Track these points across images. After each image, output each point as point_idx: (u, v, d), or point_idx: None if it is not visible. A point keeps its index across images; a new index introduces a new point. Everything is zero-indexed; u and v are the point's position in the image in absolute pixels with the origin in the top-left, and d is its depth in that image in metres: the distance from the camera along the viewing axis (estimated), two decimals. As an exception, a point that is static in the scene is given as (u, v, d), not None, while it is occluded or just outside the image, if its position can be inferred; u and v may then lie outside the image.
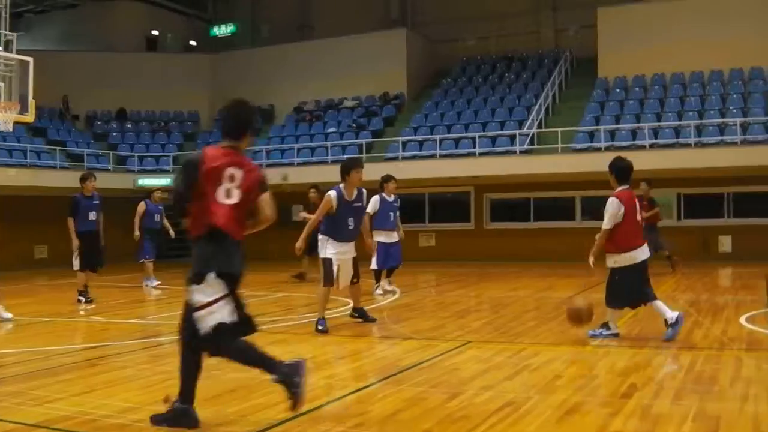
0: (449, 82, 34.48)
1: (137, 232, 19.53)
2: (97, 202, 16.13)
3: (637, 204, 9.92)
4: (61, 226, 15.84)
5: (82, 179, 16.27)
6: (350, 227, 11.34)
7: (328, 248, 11.27)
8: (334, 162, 28.92)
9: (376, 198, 16.20)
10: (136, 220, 19.61)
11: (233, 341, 6.15)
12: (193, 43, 42.71)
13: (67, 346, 10.92)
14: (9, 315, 13.23)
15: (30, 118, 19.01)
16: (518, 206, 29.28)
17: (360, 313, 12.08)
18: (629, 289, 9.77)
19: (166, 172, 32.14)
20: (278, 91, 35.59)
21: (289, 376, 6.11)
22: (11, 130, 18.98)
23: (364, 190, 11.59)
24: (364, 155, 28.68)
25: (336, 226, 11.25)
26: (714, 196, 26.57)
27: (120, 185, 28.98)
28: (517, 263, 24.82)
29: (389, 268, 16.82)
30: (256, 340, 10.52)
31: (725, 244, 26.09)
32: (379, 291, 16.52)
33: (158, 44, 41.17)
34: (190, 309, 6.18)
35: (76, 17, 39.91)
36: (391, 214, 16.37)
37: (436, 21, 36.82)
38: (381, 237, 16.09)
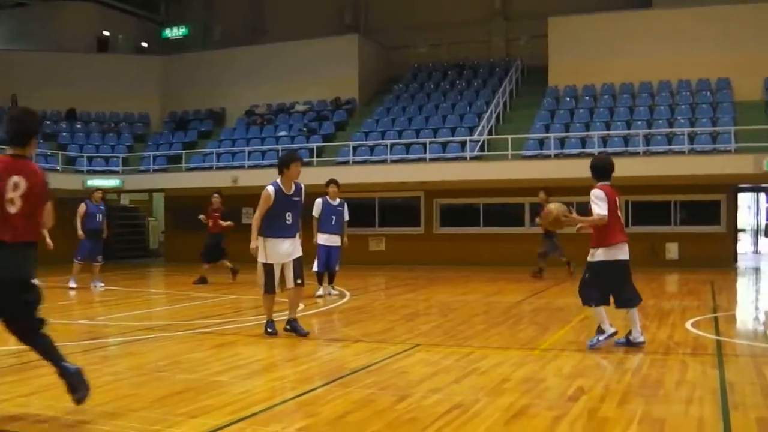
0: (401, 88, 34.55)
1: (80, 232, 19.19)
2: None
3: (618, 201, 9.67)
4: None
5: None
6: (288, 222, 10.87)
7: (268, 251, 10.83)
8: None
9: (319, 201, 16.32)
10: (77, 221, 19.25)
11: None
12: (144, 44, 42.37)
13: (12, 346, 10.78)
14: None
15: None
16: (468, 212, 29.39)
17: (292, 326, 11.00)
18: (605, 286, 9.53)
19: (116, 173, 31.95)
20: (230, 93, 35.49)
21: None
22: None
23: (302, 185, 11.19)
24: (315, 159, 28.76)
25: (274, 221, 10.78)
26: (662, 204, 26.89)
27: (69, 185, 28.64)
28: (466, 268, 24.93)
29: (330, 274, 16.84)
30: (206, 341, 10.54)
31: (672, 250, 26.44)
32: (320, 292, 16.59)
33: (109, 45, 40.75)
34: None
35: (26, 16, 39.50)
36: (333, 217, 16.39)
37: (388, 27, 36.90)
38: (322, 239, 16.20)
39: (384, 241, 29.94)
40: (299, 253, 11.00)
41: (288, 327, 10.96)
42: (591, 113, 28.79)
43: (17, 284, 6.38)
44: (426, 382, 7.81)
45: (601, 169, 9.77)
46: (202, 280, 20.26)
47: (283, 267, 10.87)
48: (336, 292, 16.94)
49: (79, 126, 35.54)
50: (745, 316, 14.22)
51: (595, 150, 25.00)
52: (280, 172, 10.95)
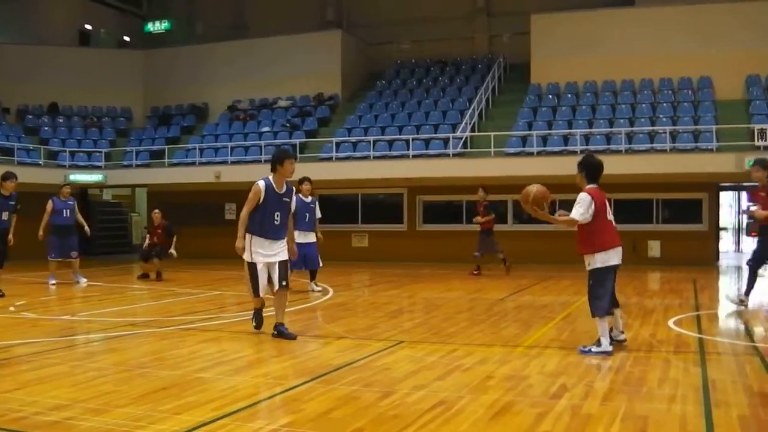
0: (384, 85, 34.58)
1: (41, 232, 18.87)
2: (13, 202, 16.57)
3: (607, 204, 9.45)
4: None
5: (4, 178, 16.57)
6: (276, 222, 10.45)
7: (253, 251, 10.44)
8: (267, 161, 28.77)
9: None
10: (45, 218, 19.03)
11: None
12: (127, 38, 42.23)
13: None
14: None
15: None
16: (451, 209, 29.42)
17: (279, 331, 10.58)
18: (610, 293, 9.32)
19: (98, 167, 31.84)
20: (212, 89, 35.46)
21: None
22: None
23: (293, 187, 10.98)
24: (297, 155, 28.66)
25: (262, 220, 10.38)
26: (644, 202, 26.99)
27: (51, 180, 28.48)
28: (449, 265, 24.95)
29: (311, 271, 16.87)
30: (189, 338, 10.53)
31: (654, 248, 26.56)
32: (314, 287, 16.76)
33: (91, 39, 40.61)
34: None
35: (7, 9, 39.28)
36: (307, 214, 16.45)
37: (371, 23, 36.89)
38: (296, 238, 16.20)
39: (367, 238, 29.94)
40: (285, 255, 10.65)
41: (275, 333, 10.55)
42: (573, 111, 28.88)
43: None
44: (410, 379, 7.82)
45: (595, 168, 9.56)
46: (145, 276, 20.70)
47: (267, 271, 10.49)
48: (319, 289, 16.94)
49: (61, 120, 35.38)
50: (727, 314, 14.28)
51: (578, 147, 25.08)
52: (273, 169, 10.57)
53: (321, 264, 16.99)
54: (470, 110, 29.04)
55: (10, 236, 16.63)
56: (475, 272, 21.60)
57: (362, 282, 21.17)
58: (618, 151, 24.92)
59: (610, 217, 9.41)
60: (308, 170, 25.94)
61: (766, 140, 23.44)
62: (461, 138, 27.34)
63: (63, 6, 39.29)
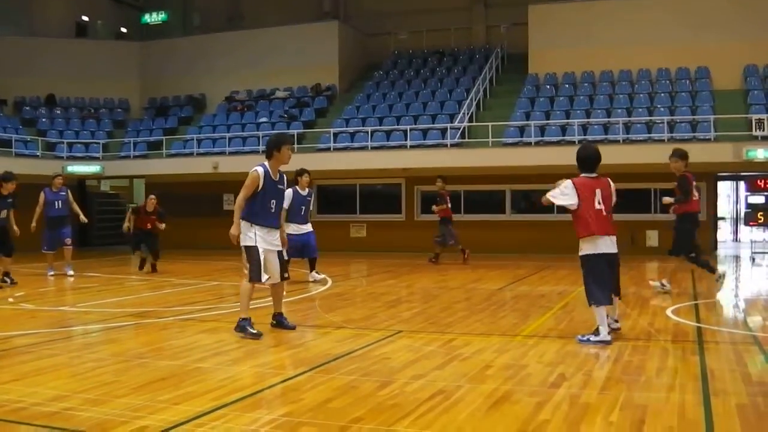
0: (381, 75, 34.57)
1: (33, 224, 18.60)
2: (11, 200, 17.04)
3: (599, 193, 9.43)
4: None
5: (5, 179, 16.94)
6: (272, 210, 10.14)
7: (254, 234, 9.99)
8: (265, 152, 28.84)
9: (289, 191, 16.21)
10: (37, 210, 18.86)
11: None
12: (123, 30, 42.16)
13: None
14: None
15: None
16: (449, 199, 29.36)
17: (279, 321, 10.50)
18: (601, 281, 9.32)
19: (96, 159, 31.81)
20: (209, 80, 35.43)
21: None
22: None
23: (285, 175, 10.56)
24: (295, 146, 28.66)
25: (260, 207, 10.00)
26: (641, 192, 26.98)
27: (48, 171, 28.38)
28: (447, 255, 24.93)
29: (311, 260, 16.90)
30: (188, 328, 10.52)
31: (652, 238, 26.57)
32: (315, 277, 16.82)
33: (88, 30, 40.52)
34: None
35: (4, 0, 39.20)
36: (303, 207, 16.49)
37: (368, 14, 36.87)
38: (291, 230, 16.19)
39: (365, 228, 29.95)
40: (280, 245, 10.32)
41: (274, 322, 10.46)
42: (571, 101, 28.87)
43: None
44: (408, 369, 7.83)
45: (584, 159, 9.60)
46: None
47: (266, 258, 10.09)
48: (321, 276, 16.98)
49: (58, 112, 35.36)
50: (725, 303, 14.29)
51: (575, 138, 25.07)
52: (270, 156, 10.20)
53: (317, 252, 17.04)
54: (468, 100, 29.03)
55: (15, 228, 17.09)
56: (433, 260, 22.25)
57: (360, 272, 21.17)
58: (616, 141, 24.92)
59: (600, 206, 9.39)
60: (306, 161, 25.96)
61: (763, 130, 23.46)
62: (459, 128, 27.34)
63: (60, -3, 39.26)
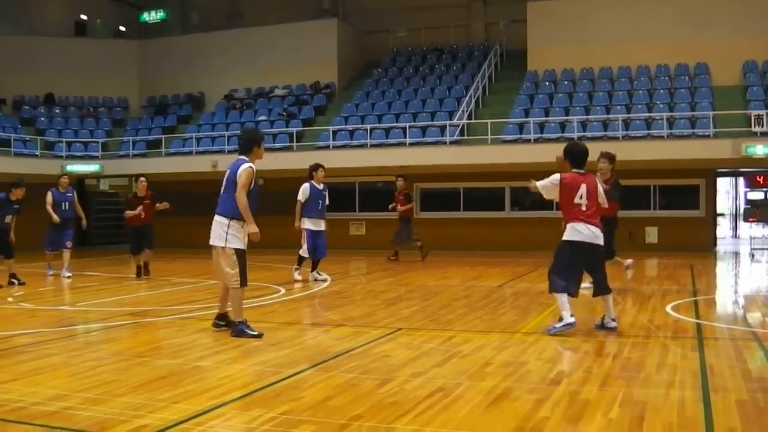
0: (380, 73, 34.57)
1: (56, 218, 18.47)
2: (17, 207, 17.15)
3: (584, 188, 9.54)
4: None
5: (15, 186, 17.11)
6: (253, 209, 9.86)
7: (243, 236, 9.84)
8: (264, 150, 28.80)
9: (306, 186, 16.32)
10: (49, 209, 18.56)
11: None
12: (122, 28, 42.11)
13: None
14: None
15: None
16: (448, 196, 29.41)
17: (226, 321, 10.16)
18: (563, 270, 9.58)
19: (95, 158, 31.80)
20: (208, 78, 35.43)
21: None
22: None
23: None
24: (294, 144, 28.74)
25: (247, 205, 9.76)
26: (641, 188, 26.99)
27: (47, 171, 28.44)
28: (446, 252, 24.95)
29: (316, 261, 16.90)
30: (187, 327, 10.50)
31: (652, 235, 26.59)
32: (298, 276, 16.69)
33: (87, 29, 40.47)
34: None
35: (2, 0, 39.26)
36: (320, 202, 16.50)
37: (367, 11, 36.84)
38: (309, 225, 16.25)
39: (364, 226, 29.95)
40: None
41: (222, 323, 10.18)
42: (570, 98, 28.85)
43: None
44: (408, 366, 7.83)
45: (574, 155, 9.81)
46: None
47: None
48: (323, 277, 16.94)
49: (57, 111, 35.35)
50: (724, 300, 14.30)
51: (575, 134, 25.06)
52: (250, 151, 10.02)
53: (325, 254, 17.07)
54: (467, 98, 29.03)
55: (12, 235, 17.27)
56: (392, 258, 22.52)
57: (360, 270, 21.17)
58: (615, 138, 24.91)
59: (581, 201, 9.57)
60: (305, 159, 25.91)
61: (762, 126, 23.46)
62: (458, 125, 27.32)
63: (58, -4, 39.24)
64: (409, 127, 27.84)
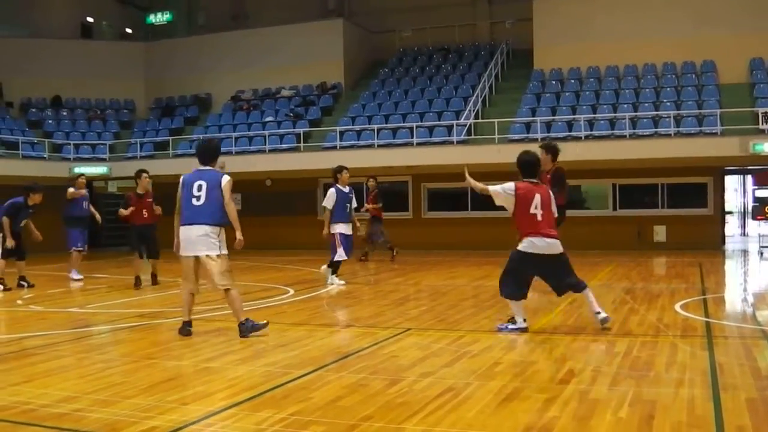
0: (386, 73, 34.54)
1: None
2: (32, 211, 17.04)
3: (538, 198, 9.74)
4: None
5: (32, 190, 16.84)
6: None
7: (224, 242, 9.97)
8: (271, 151, 28.90)
9: (332, 191, 15.98)
10: (71, 191, 18.27)
11: None
12: (128, 30, 42.19)
13: (4, 335, 10.80)
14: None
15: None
16: (455, 196, 29.38)
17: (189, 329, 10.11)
18: (515, 278, 9.75)
19: (102, 160, 31.86)
20: (215, 79, 35.47)
21: None
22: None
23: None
24: (302, 144, 28.75)
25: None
26: (649, 187, 26.97)
27: (55, 173, 28.53)
28: (454, 252, 24.94)
29: (338, 263, 16.64)
30: (197, 328, 10.50)
31: (660, 233, 26.54)
32: (338, 281, 16.26)
33: (93, 31, 40.57)
34: None
35: (8, 2, 39.21)
36: (348, 205, 16.21)
37: (372, 11, 36.85)
38: (342, 229, 15.93)
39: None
40: None
41: (190, 329, 10.13)
42: (577, 96, 28.82)
43: None
44: (417, 366, 7.83)
45: (523, 164, 10.07)
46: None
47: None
48: (341, 282, 16.34)
49: (64, 113, 35.45)
50: (733, 298, 14.28)
51: (582, 133, 25.07)
52: (213, 160, 10.55)
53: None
54: (473, 97, 29.01)
55: (37, 232, 17.30)
56: (362, 258, 22.55)
57: (368, 270, 21.14)
58: (622, 136, 24.90)
59: (535, 211, 9.70)
60: (312, 160, 26.03)
61: (770, 123, 23.41)
62: (465, 125, 27.32)
63: (64, -1, 39.32)
64: (416, 126, 27.83)
